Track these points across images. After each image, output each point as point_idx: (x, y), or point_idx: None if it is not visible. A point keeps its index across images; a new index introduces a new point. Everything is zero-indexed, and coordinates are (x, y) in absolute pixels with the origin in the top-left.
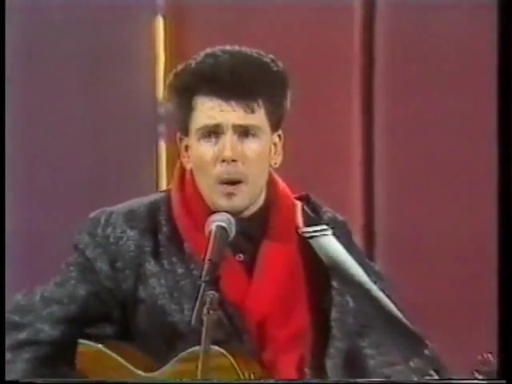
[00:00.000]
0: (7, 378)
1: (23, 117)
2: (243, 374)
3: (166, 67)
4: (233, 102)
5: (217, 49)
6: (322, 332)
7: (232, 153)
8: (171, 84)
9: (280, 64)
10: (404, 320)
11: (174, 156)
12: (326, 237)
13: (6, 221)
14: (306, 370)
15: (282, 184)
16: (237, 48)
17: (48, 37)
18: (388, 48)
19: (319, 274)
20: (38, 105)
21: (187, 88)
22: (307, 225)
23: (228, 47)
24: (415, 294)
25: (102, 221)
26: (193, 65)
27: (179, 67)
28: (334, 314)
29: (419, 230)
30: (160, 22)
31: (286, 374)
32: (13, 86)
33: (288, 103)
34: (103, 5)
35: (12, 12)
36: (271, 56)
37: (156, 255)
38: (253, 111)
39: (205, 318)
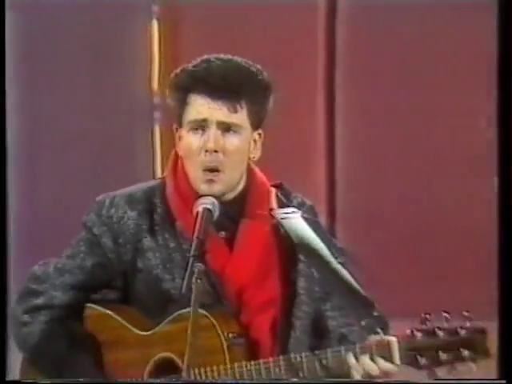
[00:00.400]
0: (28, 339)
1: (30, 106)
2: (223, 333)
3: (160, 63)
4: (219, 102)
5: (212, 56)
6: (291, 298)
7: (214, 145)
8: (172, 82)
9: (265, 73)
10: (357, 287)
11: (168, 142)
12: (295, 218)
13: (10, 204)
14: (276, 330)
15: (259, 173)
16: (229, 56)
17: (56, 36)
18: (350, 45)
19: (289, 249)
20: (44, 95)
21: (184, 86)
22: (280, 208)
23: (222, 55)
24: (375, 265)
25: (107, 203)
26: (190, 67)
27: (179, 68)
28: (301, 283)
29: (378, 209)
30: (155, 25)
31: (260, 332)
32: (22, 77)
33: (269, 107)
34: (105, 8)
35: (18, 12)
36: (258, 66)
37: (152, 232)
38: (236, 111)
39: (193, 287)
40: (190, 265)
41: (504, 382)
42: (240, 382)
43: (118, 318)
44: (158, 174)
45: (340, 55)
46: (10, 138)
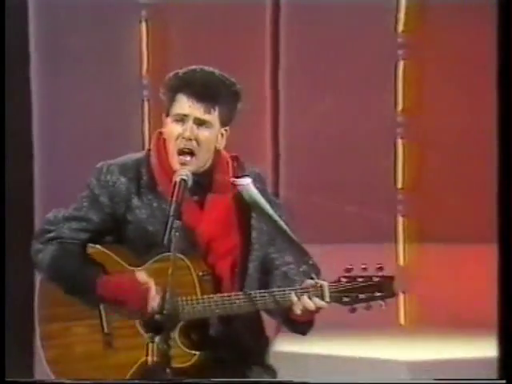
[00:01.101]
0: (42, 262)
1: (53, 87)
2: (195, 272)
3: (148, 56)
4: (198, 104)
5: (199, 67)
6: (246, 246)
7: (190, 134)
8: (165, 83)
9: (238, 85)
10: (295, 238)
11: (153, 119)
12: (248, 185)
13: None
14: (236, 269)
15: (223, 152)
16: (211, 69)
17: (67, 35)
18: (293, 44)
19: (244, 209)
20: (60, 81)
21: (174, 87)
22: (236, 177)
23: (206, 67)
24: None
25: (104, 170)
26: (180, 74)
27: (172, 73)
28: (254, 234)
29: (311, 174)
30: (143, 25)
31: (223, 272)
32: (46, 68)
33: (237, 111)
34: (103, 12)
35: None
36: (233, 79)
37: (139, 194)
38: (209, 112)
39: (173, 238)
40: (170, 222)
41: (504, 381)
42: (209, 316)
43: (113, 256)
44: (146, 139)
45: (283, 50)
46: (35, 111)
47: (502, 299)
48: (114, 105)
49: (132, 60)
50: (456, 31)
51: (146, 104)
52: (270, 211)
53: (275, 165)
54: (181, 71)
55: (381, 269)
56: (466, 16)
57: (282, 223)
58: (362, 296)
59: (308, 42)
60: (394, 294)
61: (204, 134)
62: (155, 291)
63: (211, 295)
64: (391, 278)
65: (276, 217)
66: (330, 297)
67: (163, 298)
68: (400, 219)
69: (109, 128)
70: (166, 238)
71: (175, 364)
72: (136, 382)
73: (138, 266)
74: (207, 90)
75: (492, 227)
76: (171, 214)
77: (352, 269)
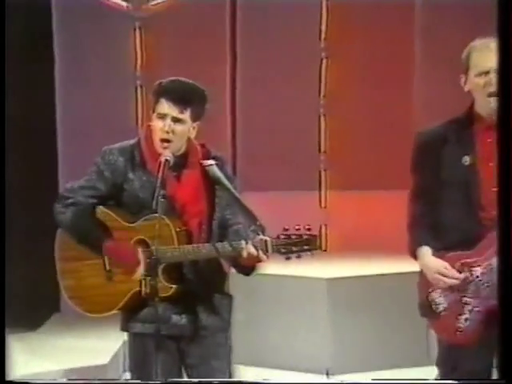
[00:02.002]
0: (64, 221)
1: (75, 77)
2: (174, 228)
3: (142, 58)
4: (174, 106)
5: (177, 78)
6: (210, 209)
7: (168, 128)
8: (153, 89)
9: (207, 93)
10: (247, 205)
11: (146, 106)
12: (212, 165)
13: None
14: (203, 227)
15: (194, 141)
16: (188, 80)
17: (79, 39)
18: (248, 55)
19: (210, 183)
20: (74, 74)
21: (158, 93)
22: (203, 159)
23: (182, 78)
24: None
25: (107, 152)
26: (162, 83)
27: (158, 82)
28: (216, 201)
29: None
30: (137, 33)
31: (194, 229)
32: (68, 66)
33: (204, 111)
34: (106, 21)
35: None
36: (203, 88)
37: (133, 170)
38: (183, 113)
39: (159, 203)
40: (157, 191)
41: (504, 382)
42: (184, 260)
43: (113, 215)
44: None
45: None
46: (60, 95)
47: (502, 300)
48: (114, 95)
49: (128, 59)
50: (369, 35)
51: (139, 95)
52: (228, 184)
53: (232, 144)
54: (163, 81)
55: (309, 229)
56: (379, 22)
57: (235, 193)
58: (294, 249)
59: (258, 51)
60: (318, 248)
61: (178, 128)
62: (142, 265)
63: (185, 245)
64: (316, 236)
65: (232, 188)
66: (272, 249)
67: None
68: (323, 173)
69: (109, 114)
70: (154, 203)
71: (160, 294)
72: (136, 381)
73: (132, 223)
74: (181, 96)
75: (398, 177)
76: (158, 185)
77: (288, 229)
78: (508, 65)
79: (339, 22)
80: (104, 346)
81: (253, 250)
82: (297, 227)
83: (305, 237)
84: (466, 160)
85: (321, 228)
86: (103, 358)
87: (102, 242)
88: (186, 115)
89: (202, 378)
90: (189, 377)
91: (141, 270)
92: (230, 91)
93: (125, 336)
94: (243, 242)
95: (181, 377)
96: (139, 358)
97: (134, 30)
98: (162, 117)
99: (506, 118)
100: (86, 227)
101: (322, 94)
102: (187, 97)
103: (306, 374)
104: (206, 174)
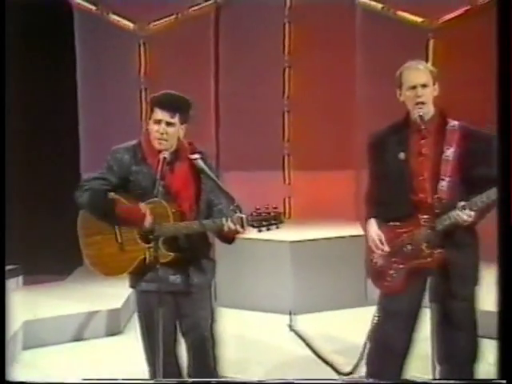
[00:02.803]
0: (83, 203)
1: (91, 81)
2: (170, 209)
3: (145, 66)
4: (166, 113)
5: (167, 91)
6: (198, 194)
7: (163, 130)
8: (149, 101)
9: (193, 102)
10: (226, 189)
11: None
12: (198, 159)
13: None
14: (193, 208)
15: (184, 140)
16: (178, 93)
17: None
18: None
19: (197, 173)
20: (93, 77)
21: (153, 103)
22: (191, 153)
23: (172, 91)
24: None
25: (115, 151)
26: (156, 96)
27: (152, 95)
28: (202, 188)
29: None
30: (142, 47)
31: (186, 210)
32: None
33: (190, 115)
34: (117, 37)
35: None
36: (189, 98)
37: (136, 165)
38: (173, 118)
39: (159, 191)
40: (157, 182)
41: (504, 382)
42: (178, 234)
43: (122, 200)
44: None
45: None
46: (81, 92)
47: (502, 301)
48: (123, 95)
49: (134, 67)
50: (321, 50)
51: (143, 95)
52: (211, 174)
53: (216, 142)
54: (156, 94)
55: (276, 208)
56: (327, 41)
57: (217, 180)
58: (264, 223)
59: (235, 63)
60: (282, 222)
61: (170, 130)
62: (149, 216)
63: (179, 223)
64: (281, 213)
65: (214, 177)
66: (247, 223)
67: (153, 224)
68: (286, 157)
69: (120, 110)
70: (156, 191)
71: (160, 260)
72: (139, 382)
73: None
74: (170, 105)
75: (345, 160)
76: (158, 177)
77: (260, 208)
78: (508, 66)
79: (298, 41)
80: (117, 292)
81: (232, 226)
82: (266, 206)
83: (272, 214)
84: (402, 156)
85: (285, 200)
86: (117, 303)
87: (114, 211)
88: (176, 119)
89: (190, 327)
90: (180, 326)
91: (148, 220)
92: (214, 97)
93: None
94: (224, 220)
95: (175, 326)
96: (146, 309)
97: (139, 45)
98: (158, 122)
99: (506, 116)
100: (100, 203)
101: (285, 95)
102: (175, 105)
103: (275, 314)
104: (193, 166)
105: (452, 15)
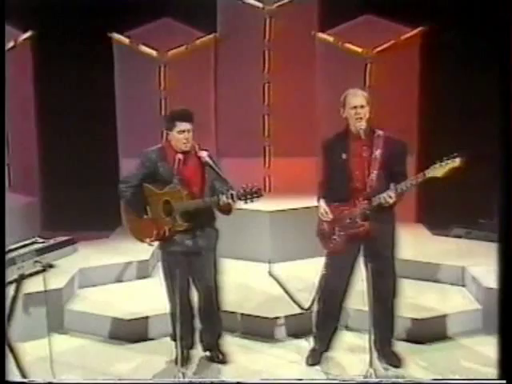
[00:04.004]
0: (123, 198)
1: (125, 91)
2: (183, 193)
3: (164, 82)
4: (187, 124)
5: (182, 108)
6: (204, 181)
7: (187, 136)
8: (168, 117)
9: (193, 114)
10: (224, 177)
11: (166, 111)
12: (205, 157)
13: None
14: (200, 190)
15: (193, 141)
16: (185, 107)
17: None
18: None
19: (203, 165)
20: (126, 89)
21: (174, 118)
22: (199, 151)
23: (183, 107)
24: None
25: (145, 152)
26: (175, 112)
27: (171, 110)
28: (208, 178)
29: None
30: (162, 69)
31: (195, 192)
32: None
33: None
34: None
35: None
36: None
37: (161, 163)
38: (191, 125)
39: (176, 180)
40: (175, 175)
41: (504, 382)
42: (189, 209)
43: (150, 186)
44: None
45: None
46: (118, 101)
47: (502, 301)
48: (148, 103)
49: (156, 83)
50: (293, 70)
51: (162, 105)
52: (214, 165)
53: (216, 137)
54: (174, 111)
55: (256, 185)
56: (297, 64)
57: (218, 171)
58: (249, 197)
59: (229, 81)
60: (262, 195)
61: (190, 135)
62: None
63: (190, 201)
64: (261, 189)
65: (216, 168)
66: (237, 198)
67: (173, 204)
68: (267, 148)
69: (145, 114)
70: (174, 180)
71: (177, 229)
72: (142, 382)
73: (161, 191)
74: (188, 117)
75: (312, 148)
76: (175, 173)
77: (245, 186)
78: (508, 69)
79: (274, 63)
80: (146, 247)
81: (225, 200)
82: (249, 185)
83: (254, 190)
84: (344, 156)
85: (265, 178)
86: (146, 255)
87: (143, 210)
88: (191, 127)
89: (199, 279)
90: (192, 278)
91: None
92: (214, 104)
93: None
94: (220, 196)
95: (188, 278)
96: (168, 264)
97: (159, 67)
98: (182, 131)
99: (506, 117)
100: (135, 202)
101: (265, 103)
102: (190, 117)
103: (259, 263)
104: (200, 160)
105: (383, 47)
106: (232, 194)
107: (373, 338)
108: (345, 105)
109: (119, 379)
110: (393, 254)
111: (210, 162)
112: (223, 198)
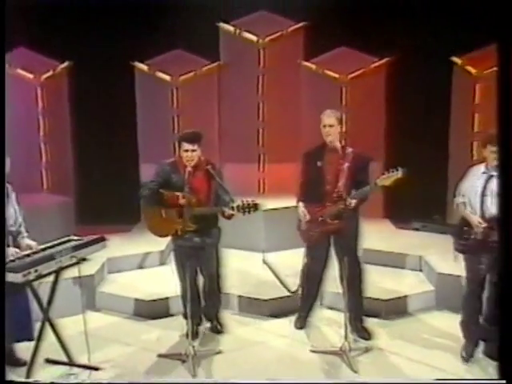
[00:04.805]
0: (143, 196)
1: (144, 110)
2: (192, 200)
3: (177, 102)
4: (189, 145)
5: (189, 131)
6: (210, 190)
7: (190, 155)
8: (178, 137)
9: (203, 133)
10: (226, 188)
11: (178, 127)
12: (211, 169)
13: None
14: (207, 199)
15: (200, 156)
16: (194, 130)
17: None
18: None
19: (209, 177)
20: (144, 108)
21: (181, 139)
22: (206, 165)
23: (191, 130)
24: None
25: (161, 163)
26: (182, 134)
27: (181, 133)
28: (212, 186)
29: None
30: (174, 91)
31: (202, 201)
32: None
33: (201, 143)
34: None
35: None
36: (200, 131)
37: (174, 174)
38: (194, 146)
39: (186, 190)
40: (186, 185)
41: (504, 382)
42: (198, 214)
43: (165, 192)
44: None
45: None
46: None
47: (502, 301)
48: (162, 119)
49: (169, 103)
50: (281, 94)
51: (175, 120)
52: (217, 178)
53: (220, 148)
54: (181, 134)
55: (254, 201)
56: (283, 88)
57: (221, 182)
58: (247, 210)
59: (230, 101)
60: (258, 209)
61: (193, 154)
62: (181, 198)
63: (200, 208)
64: (258, 204)
65: (219, 180)
66: (237, 210)
67: (184, 208)
68: (261, 155)
69: (160, 128)
70: (185, 189)
71: (187, 229)
72: (145, 382)
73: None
74: (191, 139)
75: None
76: (186, 183)
77: (247, 200)
78: (508, 72)
79: (267, 86)
80: (161, 240)
81: (228, 211)
82: (247, 199)
83: (252, 204)
84: (319, 164)
85: (260, 181)
86: (162, 246)
87: (161, 199)
88: (195, 147)
89: (204, 268)
90: (199, 268)
91: (181, 199)
92: (218, 121)
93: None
94: (225, 208)
95: (196, 268)
96: (179, 256)
97: (172, 89)
98: (186, 151)
99: (506, 117)
100: (153, 203)
101: (260, 118)
102: (194, 139)
103: (254, 252)
104: (207, 172)
105: (355, 73)
106: (233, 207)
107: (347, 315)
108: (321, 123)
109: (143, 348)
110: (356, 246)
111: (215, 174)
112: (227, 210)
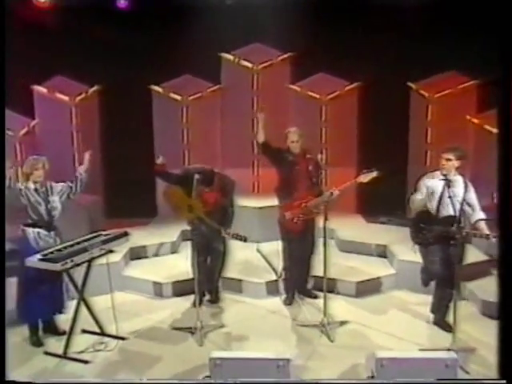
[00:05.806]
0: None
1: (159, 124)
2: (201, 208)
3: (186, 118)
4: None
5: (195, 165)
6: (219, 199)
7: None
8: (185, 169)
9: (214, 169)
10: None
11: (188, 139)
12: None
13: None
14: (215, 209)
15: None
16: (204, 166)
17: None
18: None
19: (219, 197)
20: (159, 122)
21: (190, 172)
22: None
23: (195, 165)
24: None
25: (181, 169)
26: (190, 168)
27: (185, 167)
28: (220, 203)
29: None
30: (184, 109)
31: (209, 206)
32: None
33: (215, 175)
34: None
35: None
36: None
37: (192, 176)
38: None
39: (199, 200)
40: (195, 186)
41: (504, 382)
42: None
43: (180, 191)
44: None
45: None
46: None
47: (502, 301)
48: (174, 131)
49: (180, 119)
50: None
51: (185, 134)
52: (231, 194)
53: (221, 158)
54: (191, 167)
55: (245, 235)
56: (275, 104)
57: (232, 195)
58: (238, 238)
59: (230, 117)
60: (246, 240)
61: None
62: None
63: (207, 219)
64: (247, 237)
65: (229, 193)
66: (231, 237)
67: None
68: (255, 162)
69: (172, 139)
70: (194, 192)
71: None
72: (148, 382)
73: (188, 198)
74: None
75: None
76: (194, 188)
77: (238, 233)
78: (508, 76)
79: (263, 100)
80: (174, 233)
81: (225, 235)
82: (241, 233)
83: (242, 236)
84: (289, 157)
85: (254, 183)
86: (174, 237)
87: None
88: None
89: (212, 249)
90: (208, 249)
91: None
92: (220, 134)
93: (182, 227)
94: (223, 231)
95: (206, 256)
96: (196, 242)
97: (182, 108)
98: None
99: (506, 117)
100: (171, 182)
101: (254, 131)
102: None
103: (249, 242)
104: (218, 192)
105: (333, 95)
106: (228, 233)
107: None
108: (287, 138)
109: (160, 322)
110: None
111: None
112: (224, 233)
